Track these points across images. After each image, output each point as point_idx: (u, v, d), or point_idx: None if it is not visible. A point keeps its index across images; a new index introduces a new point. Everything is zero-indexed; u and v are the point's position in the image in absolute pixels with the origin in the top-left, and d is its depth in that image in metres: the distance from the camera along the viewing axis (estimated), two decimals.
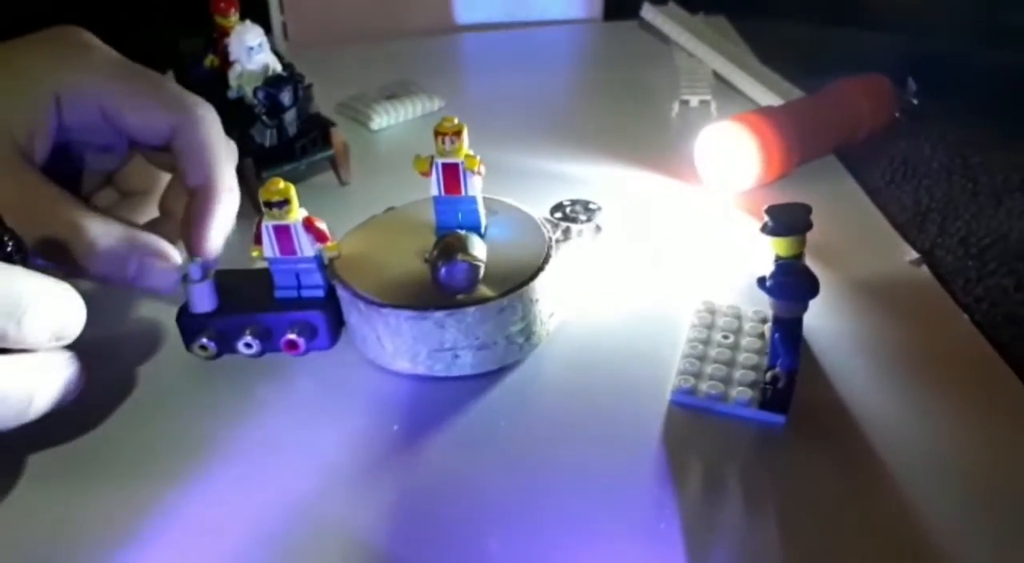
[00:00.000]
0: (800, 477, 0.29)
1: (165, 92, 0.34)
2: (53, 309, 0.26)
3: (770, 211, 0.30)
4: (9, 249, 0.26)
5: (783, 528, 0.27)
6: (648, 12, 0.68)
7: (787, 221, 0.30)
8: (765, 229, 0.30)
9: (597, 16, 0.76)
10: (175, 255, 0.33)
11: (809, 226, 0.30)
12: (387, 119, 0.56)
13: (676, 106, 0.56)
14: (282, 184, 0.31)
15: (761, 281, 0.29)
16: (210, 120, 0.35)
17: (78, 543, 0.27)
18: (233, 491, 0.29)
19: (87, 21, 0.37)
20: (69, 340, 0.27)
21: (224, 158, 0.35)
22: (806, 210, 0.30)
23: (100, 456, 0.31)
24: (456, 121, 0.33)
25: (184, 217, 0.34)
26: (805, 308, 0.29)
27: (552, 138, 0.53)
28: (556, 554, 0.26)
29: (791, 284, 0.29)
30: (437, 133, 0.33)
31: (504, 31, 0.74)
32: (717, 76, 0.60)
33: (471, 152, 0.34)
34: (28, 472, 0.30)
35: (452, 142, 0.33)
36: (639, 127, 0.55)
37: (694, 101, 0.57)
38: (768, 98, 0.55)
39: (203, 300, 0.33)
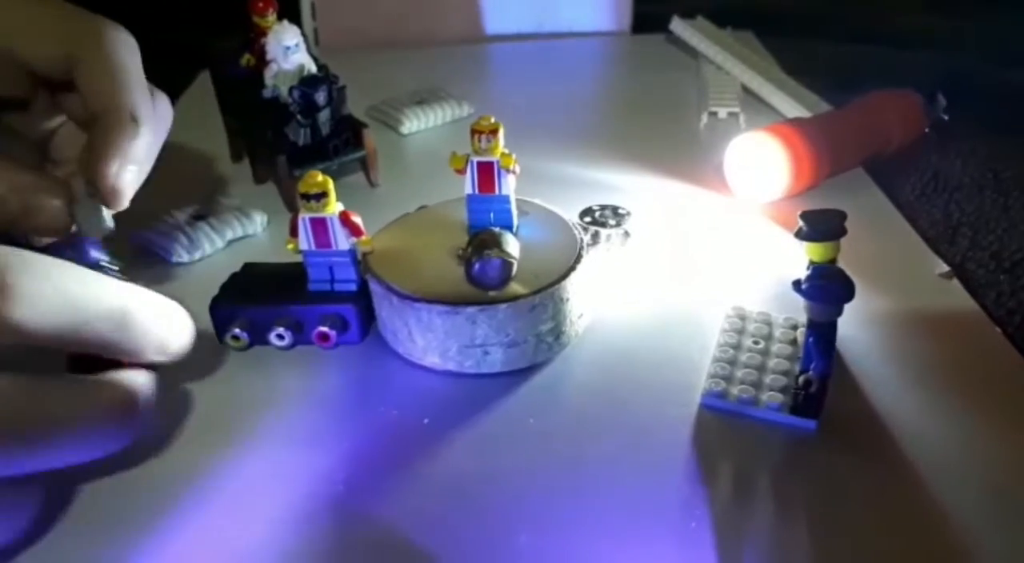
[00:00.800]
0: (830, 483, 0.28)
1: (61, 13, 0.30)
2: (158, 321, 0.26)
3: (805, 216, 0.30)
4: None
5: (812, 532, 0.27)
6: (677, 26, 0.68)
7: (822, 226, 0.30)
8: (800, 234, 0.30)
9: (625, 29, 0.76)
10: (61, 193, 0.29)
11: (844, 231, 0.30)
12: (417, 123, 0.56)
13: (704, 118, 0.57)
14: (320, 177, 0.31)
15: (796, 284, 0.29)
16: (115, 39, 0.30)
17: (99, 530, 0.28)
18: (261, 482, 0.29)
19: (123, 19, 0.38)
20: (174, 355, 0.27)
21: (133, 83, 0.30)
22: (841, 216, 0.30)
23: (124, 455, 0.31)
24: (493, 120, 0.33)
25: (85, 151, 0.30)
26: (840, 312, 0.29)
27: (580, 145, 0.53)
28: (585, 551, 0.26)
29: (827, 287, 0.28)
30: (474, 131, 0.33)
31: (533, 42, 0.75)
32: (745, 90, 0.60)
33: (507, 151, 0.34)
34: None
35: (488, 140, 0.33)
36: (667, 137, 0.55)
37: (722, 113, 0.57)
38: (796, 111, 0.55)
39: (92, 223, 0.29)
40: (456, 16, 0.75)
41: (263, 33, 0.45)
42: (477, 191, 0.35)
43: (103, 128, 0.29)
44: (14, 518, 0.25)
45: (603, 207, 0.42)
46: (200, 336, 0.35)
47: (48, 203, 0.29)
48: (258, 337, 0.34)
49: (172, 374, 0.34)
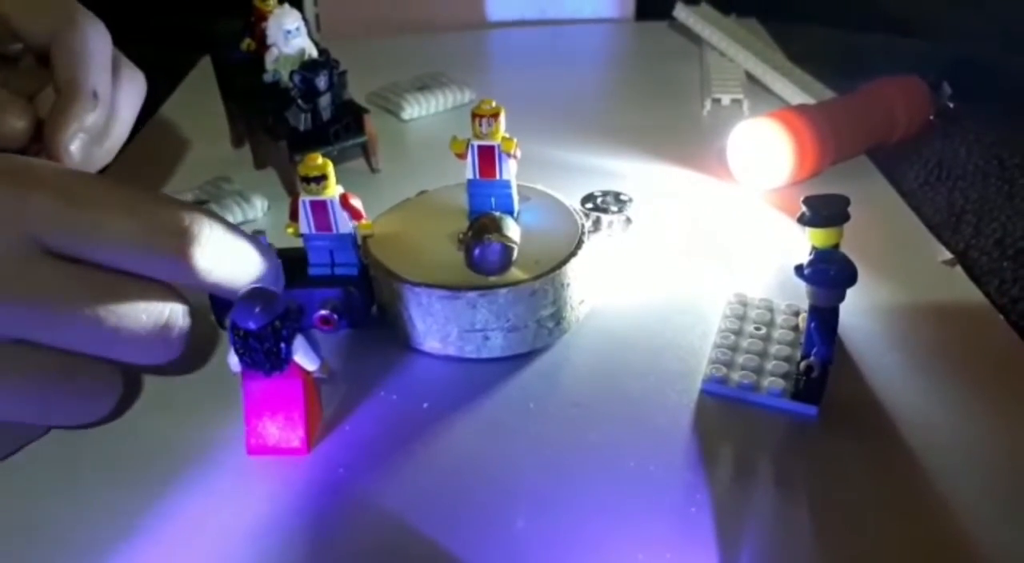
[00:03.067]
0: (830, 468, 0.28)
1: None
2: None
3: (808, 201, 0.30)
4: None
5: (813, 517, 0.26)
6: (681, 12, 0.68)
7: (825, 211, 0.30)
8: (803, 219, 0.30)
9: (629, 15, 0.76)
10: (24, 115, 0.33)
11: (847, 217, 0.30)
12: (418, 109, 0.56)
13: (708, 104, 0.56)
14: (320, 160, 0.31)
15: (799, 269, 0.29)
16: (90, 27, 0.35)
17: (103, 510, 0.28)
18: (261, 464, 0.29)
19: (126, 4, 0.38)
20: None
21: (98, 65, 0.34)
22: (844, 201, 0.30)
23: (125, 427, 0.31)
24: (494, 104, 0.33)
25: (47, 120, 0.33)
26: (842, 297, 0.29)
27: (582, 132, 0.53)
28: (584, 535, 0.26)
29: (829, 271, 0.28)
30: (474, 115, 0.33)
31: (536, 28, 0.74)
32: (748, 77, 0.60)
33: (507, 135, 0.34)
34: (47, 443, 0.30)
35: (489, 124, 0.33)
36: (670, 124, 0.55)
37: (726, 100, 0.57)
38: (800, 98, 0.55)
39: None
40: (459, 2, 0.74)
41: (264, 17, 0.44)
42: (478, 176, 0.35)
43: (64, 99, 0.33)
44: (102, 396, 0.29)
45: (605, 193, 0.42)
46: (199, 320, 0.36)
47: (8, 120, 0.32)
48: None
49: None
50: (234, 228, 0.29)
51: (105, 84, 0.34)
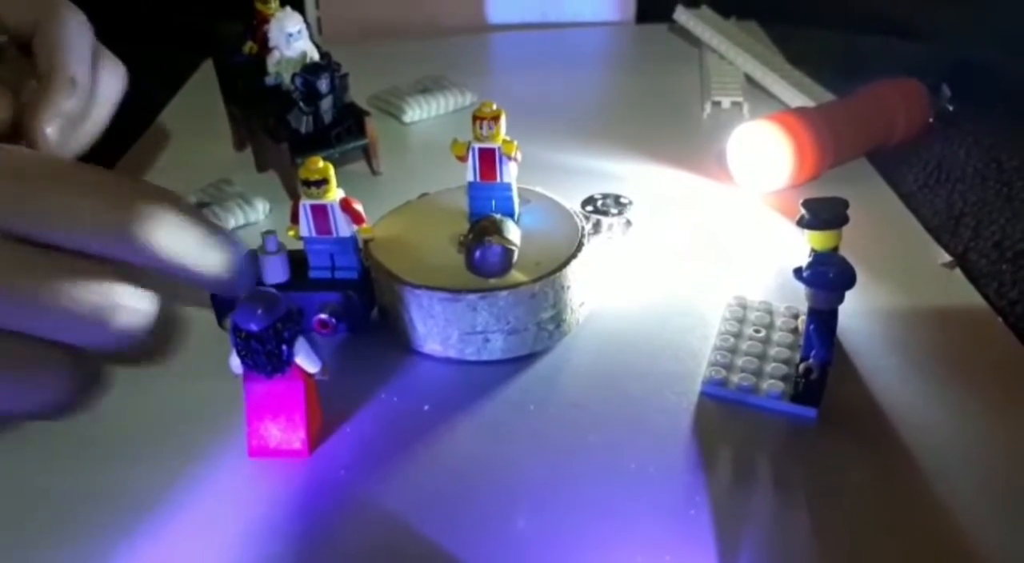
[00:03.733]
0: (829, 471, 0.28)
1: None
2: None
3: (807, 204, 0.30)
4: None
5: (812, 520, 0.27)
6: (681, 15, 0.68)
7: (824, 214, 0.30)
8: (802, 222, 0.30)
9: (629, 19, 0.76)
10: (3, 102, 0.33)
11: (846, 220, 0.30)
12: (419, 112, 0.56)
13: (708, 107, 0.56)
14: (321, 163, 0.31)
15: (798, 271, 0.29)
16: (71, 18, 0.36)
17: (103, 511, 0.28)
18: (262, 466, 0.29)
19: (129, 6, 0.38)
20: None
21: (76, 53, 0.35)
22: (843, 204, 0.30)
23: (127, 429, 0.31)
24: (495, 106, 0.33)
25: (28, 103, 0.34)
26: (841, 299, 0.29)
27: (583, 134, 0.53)
28: (584, 537, 0.26)
29: (828, 274, 0.28)
30: (475, 118, 0.33)
31: (537, 31, 0.74)
32: (748, 79, 0.60)
33: (508, 138, 0.34)
34: (45, 442, 0.31)
35: (490, 127, 0.33)
36: (670, 126, 0.55)
37: (726, 102, 0.57)
38: (800, 101, 0.55)
39: (277, 271, 0.33)
40: (460, 5, 0.75)
41: (265, 20, 0.44)
42: (479, 178, 0.35)
43: (44, 84, 0.34)
44: (51, 384, 0.27)
45: (605, 196, 0.42)
46: (200, 322, 0.36)
47: None
48: None
49: (172, 358, 0.34)
50: (194, 211, 0.29)
51: (84, 72, 0.35)
